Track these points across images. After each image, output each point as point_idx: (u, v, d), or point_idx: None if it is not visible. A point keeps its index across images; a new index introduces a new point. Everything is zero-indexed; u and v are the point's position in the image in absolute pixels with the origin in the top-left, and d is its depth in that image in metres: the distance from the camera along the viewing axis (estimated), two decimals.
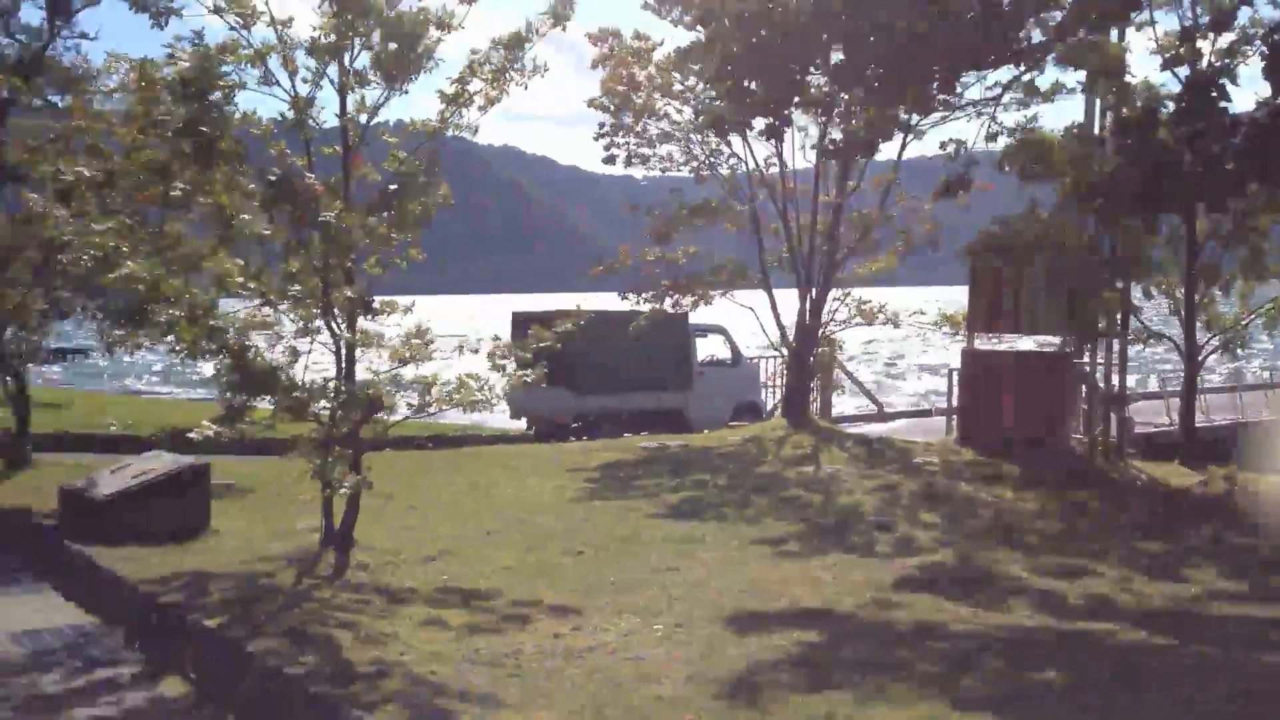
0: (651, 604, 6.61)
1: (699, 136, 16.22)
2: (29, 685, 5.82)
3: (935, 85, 11.15)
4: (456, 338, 8.37)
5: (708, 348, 20.06)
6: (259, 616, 6.17)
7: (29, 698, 5.64)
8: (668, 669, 5.39)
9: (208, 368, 7.88)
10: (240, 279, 7.69)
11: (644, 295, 16.14)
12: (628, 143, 16.80)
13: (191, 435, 7.06)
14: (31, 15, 43.72)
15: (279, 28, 7.90)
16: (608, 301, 16.54)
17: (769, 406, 19.33)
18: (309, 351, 7.94)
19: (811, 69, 11.71)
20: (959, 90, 12.33)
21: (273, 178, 7.76)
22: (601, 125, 16.63)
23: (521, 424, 19.59)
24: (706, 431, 15.98)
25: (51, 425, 15.67)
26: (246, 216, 7.71)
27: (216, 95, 7.91)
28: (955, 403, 15.47)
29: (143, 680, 5.90)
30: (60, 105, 38.07)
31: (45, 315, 12.22)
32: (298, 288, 7.72)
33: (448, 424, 17.14)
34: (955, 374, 15.54)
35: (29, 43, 42.44)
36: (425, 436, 15.64)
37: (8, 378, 12.15)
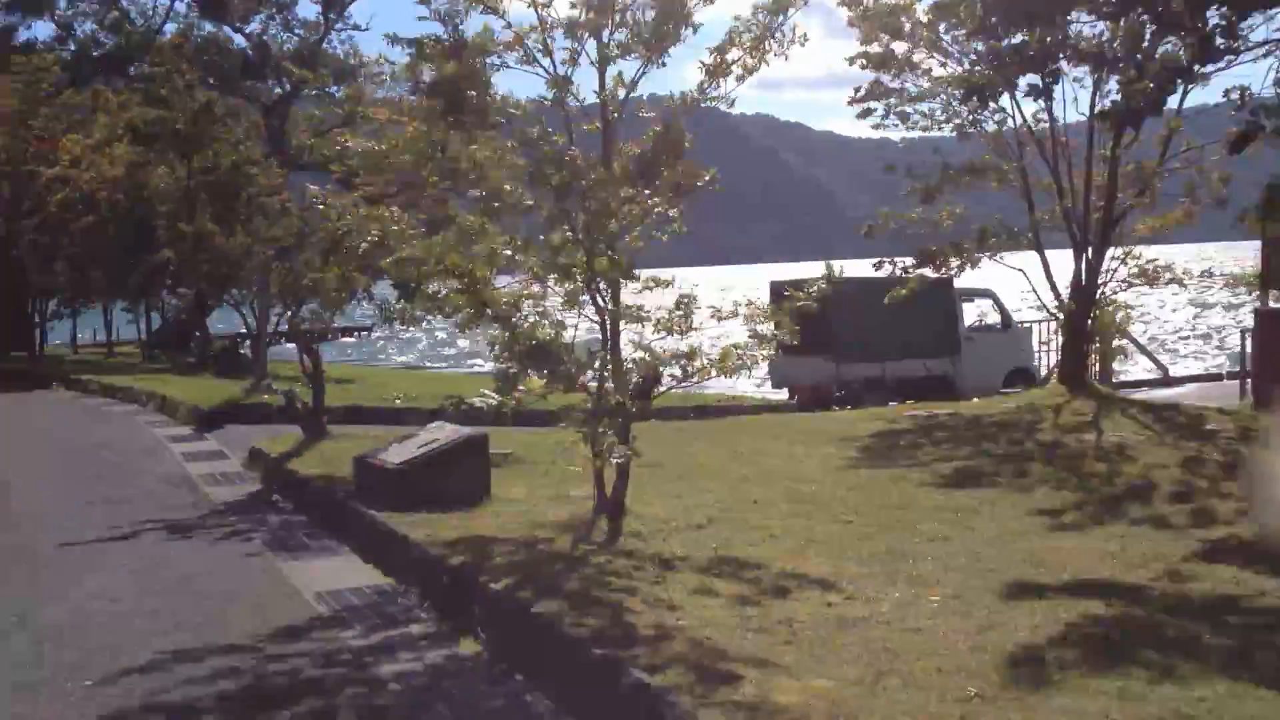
0: (926, 574, 6.48)
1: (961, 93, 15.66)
2: (335, 641, 6.24)
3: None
4: (713, 309, 8.38)
5: (976, 312, 19.47)
6: (542, 580, 6.39)
7: (336, 652, 6.04)
8: (946, 641, 5.26)
9: (465, 343, 8.23)
10: (509, 253, 8.00)
11: (905, 260, 15.79)
12: (887, 103, 16.43)
13: (474, 401, 7.40)
14: (307, 10, 46.56)
15: (539, 8, 8.15)
16: (867, 269, 16.26)
17: (1043, 372, 18.58)
18: (575, 324, 8.18)
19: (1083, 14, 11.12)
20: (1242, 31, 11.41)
21: (538, 151, 8.02)
22: (858, 89, 16.33)
23: (783, 394, 19.56)
24: (976, 399, 15.51)
25: (343, 399, 16.82)
26: (509, 188, 8.04)
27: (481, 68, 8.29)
28: (1250, 366, 14.42)
29: (438, 639, 6.23)
30: (337, 95, 40.24)
31: (336, 295, 13.09)
32: (563, 260, 7.94)
33: (709, 395, 17.33)
34: (1249, 335, 14.48)
35: (306, 36, 45.09)
36: (687, 407, 15.87)
37: (304, 355, 13.08)
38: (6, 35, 40.37)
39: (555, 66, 8.46)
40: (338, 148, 11.13)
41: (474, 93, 8.34)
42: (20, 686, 5.47)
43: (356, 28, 45.90)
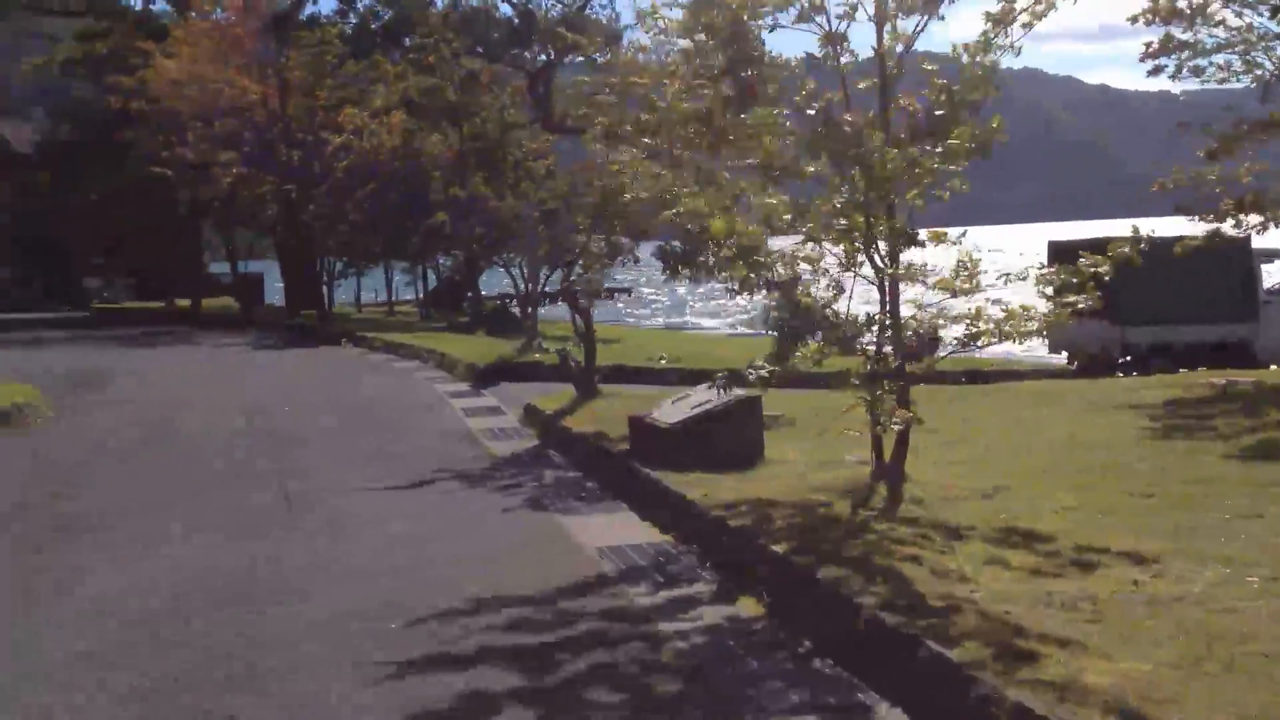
0: (1239, 553, 6.01)
1: (1265, 43, 14.41)
2: (619, 597, 6.35)
3: None
4: (1001, 272, 8.01)
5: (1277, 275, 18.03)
6: (823, 545, 6.31)
7: (621, 608, 6.15)
8: (1270, 626, 4.87)
9: (727, 303, 8.18)
10: (787, 216, 7.90)
11: (1199, 217, 14.68)
12: (1179, 57, 15.30)
13: (748, 374, 7.34)
14: None
15: None
16: (1153, 227, 15.22)
17: None
18: (852, 287, 8.01)
19: None
20: None
21: (812, 112, 7.86)
22: (1149, 44, 15.26)
23: (1060, 359, 18.71)
24: (1276, 367, 14.37)
25: (606, 358, 17.16)
26: (786, 154, 7.93)
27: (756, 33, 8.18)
28: None
29: (719, 599, 6.25)
30: (600, 61, 41.09)
31: (603, 256, 13.35)
32: (842, 222, 7.77)
33: (980, 359, 16.76)
34: None
35: (569, 3, 45.82)
36: (958, 371, 15.40)
37: (576, 315, 13.39)
38: (294, 10, 42.88)
39: (830, 23, 8.27)
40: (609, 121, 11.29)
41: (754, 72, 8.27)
42: (326, 626, 5.82)
43: None
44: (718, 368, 17.23)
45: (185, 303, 46.39)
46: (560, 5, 47.16)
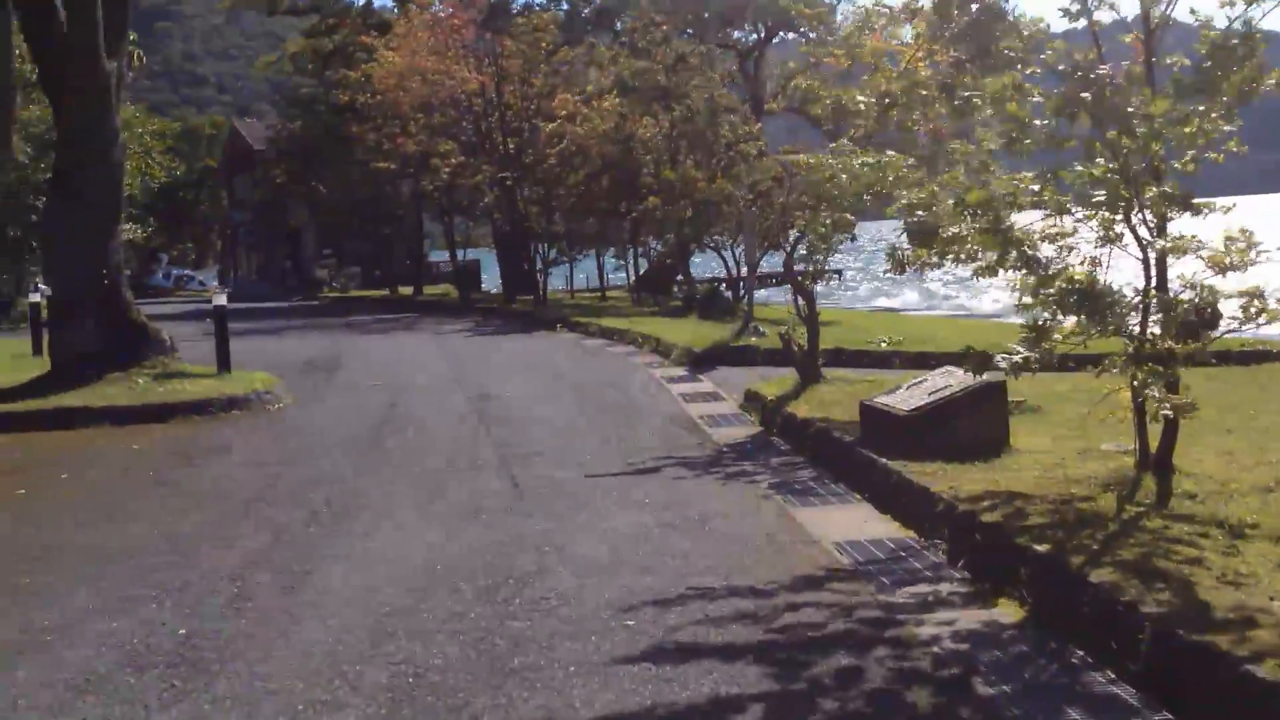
0: None
1: None
2: (861, 594, 6.00)
3: None
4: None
5: None
6: (1089, 544, 5.81)
7: (862, 606, 5.80)
8: None
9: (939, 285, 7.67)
10: (1034, 187, 7.35)
11: None
12: None
13: (998, 362, 6.83)
14: None
15: None
16: None
17: None
18: (1108, 263, 7.38)
19: None
20: None
21: (1066, 69, 7.27)
22: None
23: None
24: None
25: (828, 341, 16.68)
26: (1040, 122, 7.36)
27: None
28: None
29: (973, 600, 5.83)
30: (813, 38, 40.13)
31: (824, 238, 12.89)
32: (1099, 193, 7.16)
33: (1230, 339, 15.52)
34: None
35: None
36: (1209, 352, 14.26)
37: (798, 297, 13.02)
38: (506, 3, 43.70)
39: None
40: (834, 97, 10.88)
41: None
42: (566, 619, 5.67)
43: None
44: (941, 351, 16.65)
45: (408, 290, 48.09)
46: None
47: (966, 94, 7.61)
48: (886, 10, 10.29)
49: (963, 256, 7.26)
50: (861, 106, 8.68)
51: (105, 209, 14.38)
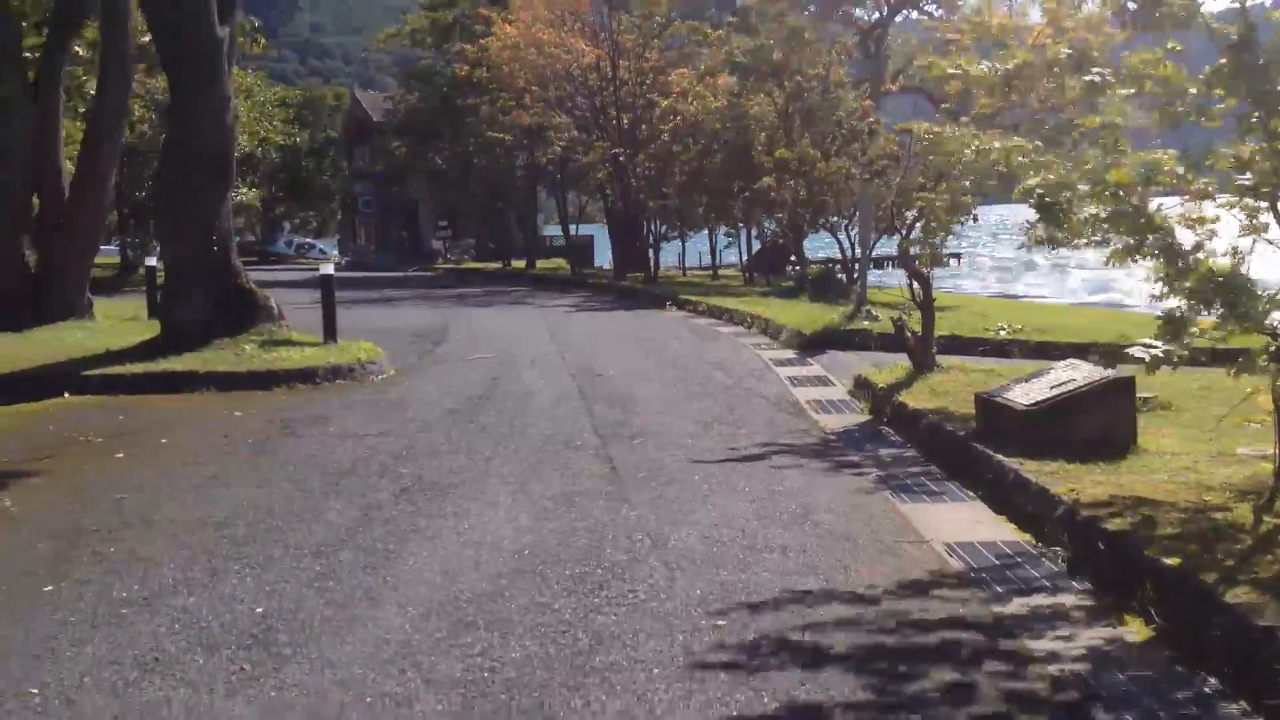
0: None
1: None
2: (972, 603, 5.59)
3: None
4: None
5: None
6: (1224, 559, 5.32)
7: (974, 617, 5.39)
8: None
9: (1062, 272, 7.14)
10: (1178, 169, 6.80)
11: None
12: None
13: (1134, 352, 6.32)
14: None
15: None
16: None
17: None
18: (1250, 252, 6.80)
19: None
20: None
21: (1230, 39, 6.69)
22: None
23: None
24: None
25: (943, 328, 16.09)
26: (1193, 91, 6.81)
27: None
28: None
29: (1096, 616, 5.37)
30: (938, 14, 39.12)
31: (944, 219, 12.36)
32: (1248, 176, 6.59)
33: None
34: None
35: None
36: None
37: (913, 281, 12.50)
38: None
39: None
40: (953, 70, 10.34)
41: None
42: (654, 615, 5.38)
43: None
44: (1064, 341, 15.95)
45: (520, 264, 48.31)
46: None
47: (1098, 70, 7.08)
48: None
49: (1096, 240, 6.75)
50: (985, 72, 8.13)
51: (216, 176, 14.47)
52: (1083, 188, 6.94)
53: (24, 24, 19.80)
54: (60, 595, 5.69)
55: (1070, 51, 7.11)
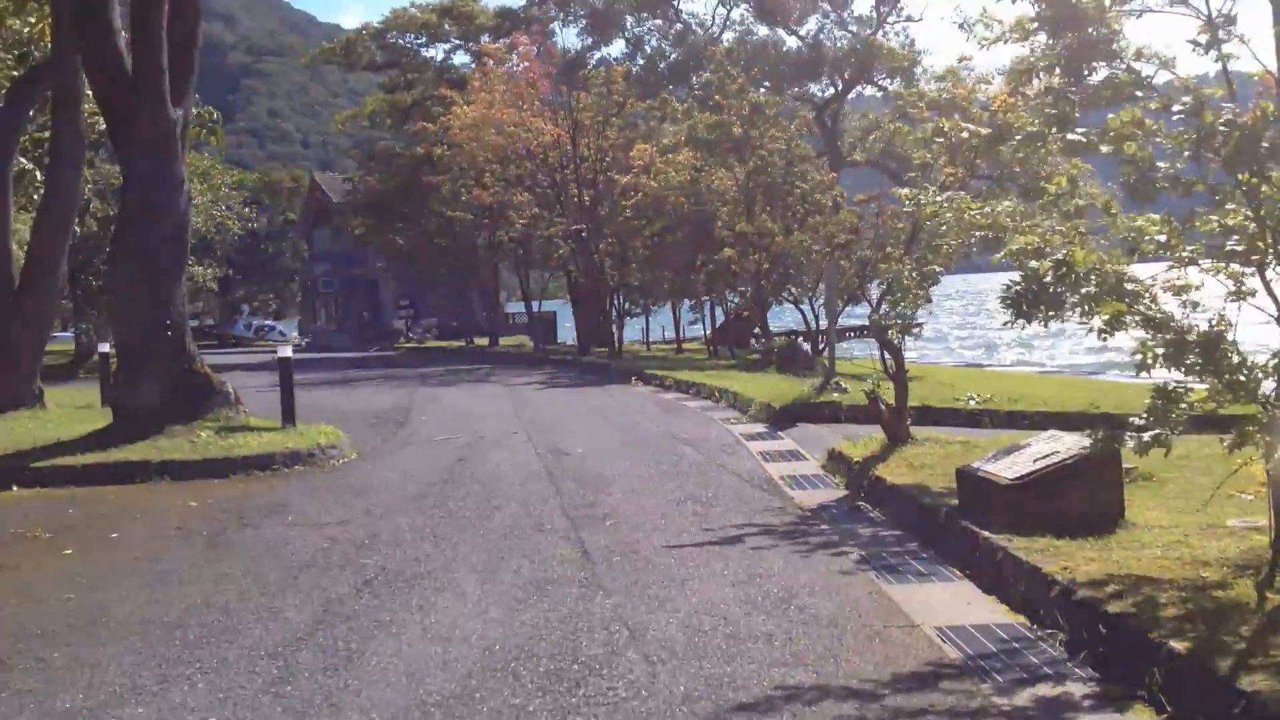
0: None
1: None
2: (975, 696, 5.29)
3: None
4: None
5: None
6: (1232, 640, 5.06)
7: (979, 712, 5.09)
8: None
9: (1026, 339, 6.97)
10: (1160, 237, 6.68)
11: None
12: None
13: (1130, 439, 6.10)
14: (862, 5, 46.53)
15: None
16: None
17: None
18: (1235, 320, 6.65)
19: None
20: None
21: (1184, 107, 6.60)
22: None
23: None
24: None
25: (912, 399, 15.91)
26: (1163, 165, 6.70)
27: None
28: None
29: (1103, 704, 5.09)
30: (890, 90, 39.73)
31: (915, 290, 12.23)
32: (1234, 241, 6.47)
33: None
34: None
35: (858, 33, 45.07)
36: None
37: (885, 352, 12.33)
38: (584, 55, 43.83)
39: (1209, 4, 7.03)
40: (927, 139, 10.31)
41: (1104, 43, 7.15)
42: (635, 716, 5.05)
43: (910, 19, 45.12)
44: (1035, 410, 15.83)
45: (484, 341, 48.07)
46: (849, 35, 46.20)
47: (1082, 130, 6.96)
48: (970, 67, 9.74)
49: (1075, 318, 6.57)
50: (965, 135, 8.01)
51: (170, 258, 14.11)
52: (1049, 263, 6.78)
53: None
54: None
55: (1054, 111, 6.95)
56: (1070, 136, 7.16)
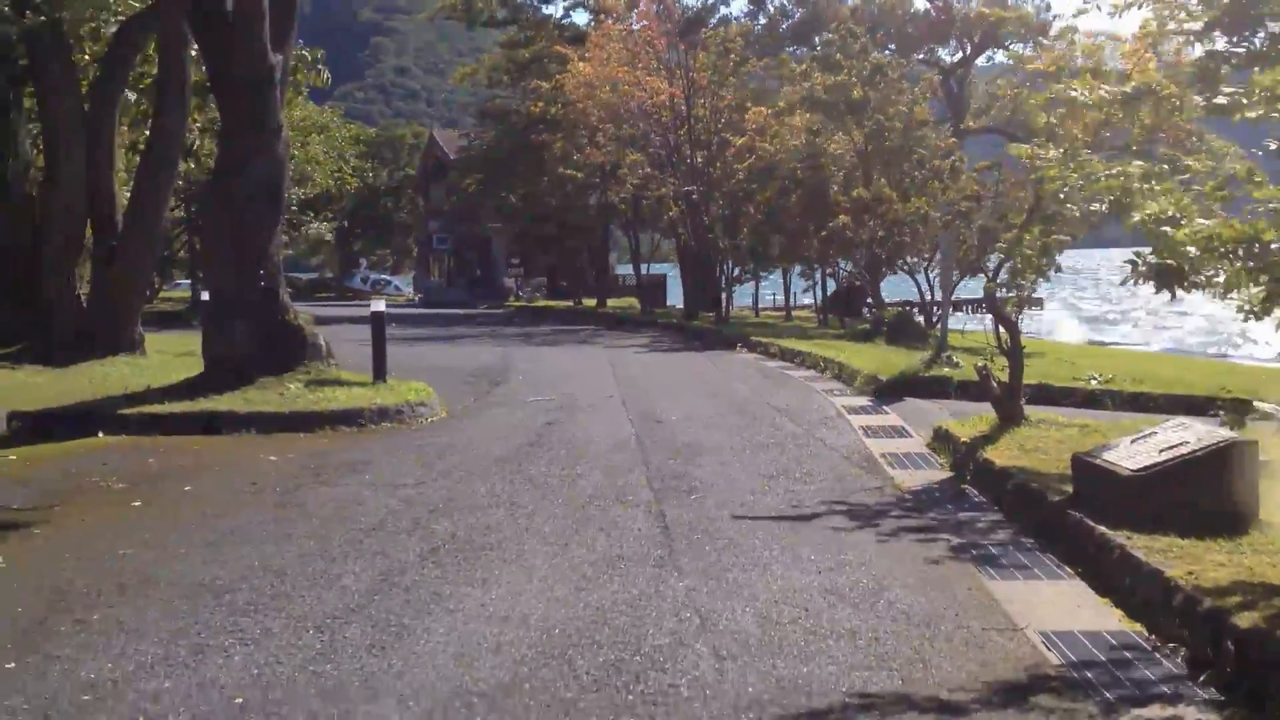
0: None
1: None
2: (1074, 715, 4.68)
3: None
4: None
5: None
6: None
7: None
8: None
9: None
10: None
11: None
12: None
13: (1266, 408, 5.41)
14: None
15: None
16: None
17: None
18: None
19: None
20: None
21: None
22: None
23: None
24: None
25: (1030, 376, 15.05)
26: None
27: None
28: None
29: None
30: (1022, 54, 38.17)
31: (1035, 259, 11.46)
32: None
33: None
34: None
35: None
36: None
37: (1000, 327, 11.58)
38: (705, 13, 42.97)
39: None
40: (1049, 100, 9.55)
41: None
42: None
43: None
44: (1160, 392, 14.85)
45: (592, 302, 47.85)
46: None
47: (1229, 91, 6.18)
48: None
49: (1220, 293, 5.85)
50: (1104, 95, 7.25)
51: (265, 206, 13.93)
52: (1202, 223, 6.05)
53: (80, 54, 19.68)
54: (19, 676, 5.00)
55: (1194, 68, 6.19)
56: (1217, 100, 6.39)
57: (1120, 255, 6.47)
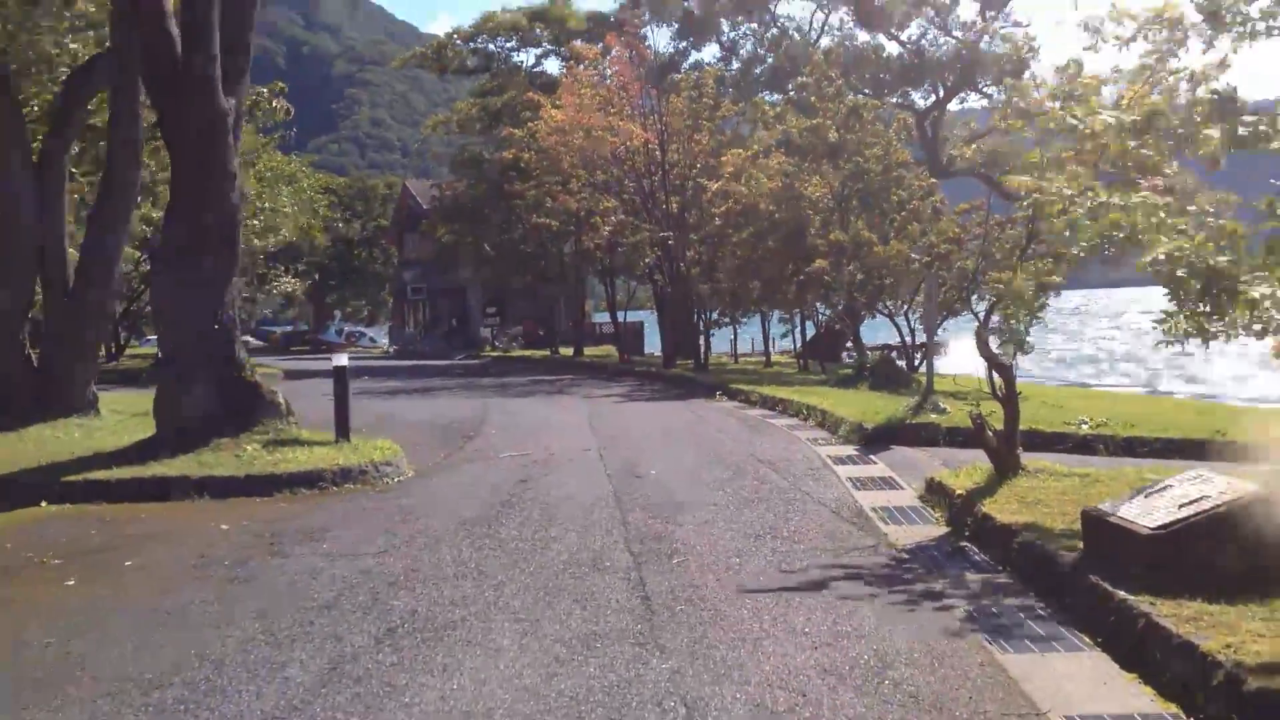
0: None
1: None
2: None
3: None
4: None
5: None
6: None
7: None
8: None
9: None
10: None
11: None
12: None
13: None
14: (967, 10, 44.79)
15: None
16: None
17: None
18: None
19: None
20: None
21: None
22: None
23: None
24: None
25: (1022, 422, 14.51)
26: None
27: None
28: None
29: None
30: (995, 95, 37.93)
31: (1029, 300, 11.01)
32: None
33: None
34: None
35: (963, 38, 43.35)
36: None
37: (993, 372, 11.05)
38: (677, 59, 42.86)
39: None
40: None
41: None
42: None
43: (1017, 24, 43.34)
44: (1155, 436, 14.34)
45: (568, 351, 47.34)
46: (954, 40, 44.53)
47: (1249, 118, 5.70)
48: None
49: (1264, 326, 5.33)
50: (1110, 121, 6.76)
51: (217, 257, 13.29)
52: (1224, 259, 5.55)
53: (28, 109, 19.06)
54: None
55: (1217, 94, 5.71)
56: (1240, 131, 5.92)
57: (1077, 297, 5.99)
